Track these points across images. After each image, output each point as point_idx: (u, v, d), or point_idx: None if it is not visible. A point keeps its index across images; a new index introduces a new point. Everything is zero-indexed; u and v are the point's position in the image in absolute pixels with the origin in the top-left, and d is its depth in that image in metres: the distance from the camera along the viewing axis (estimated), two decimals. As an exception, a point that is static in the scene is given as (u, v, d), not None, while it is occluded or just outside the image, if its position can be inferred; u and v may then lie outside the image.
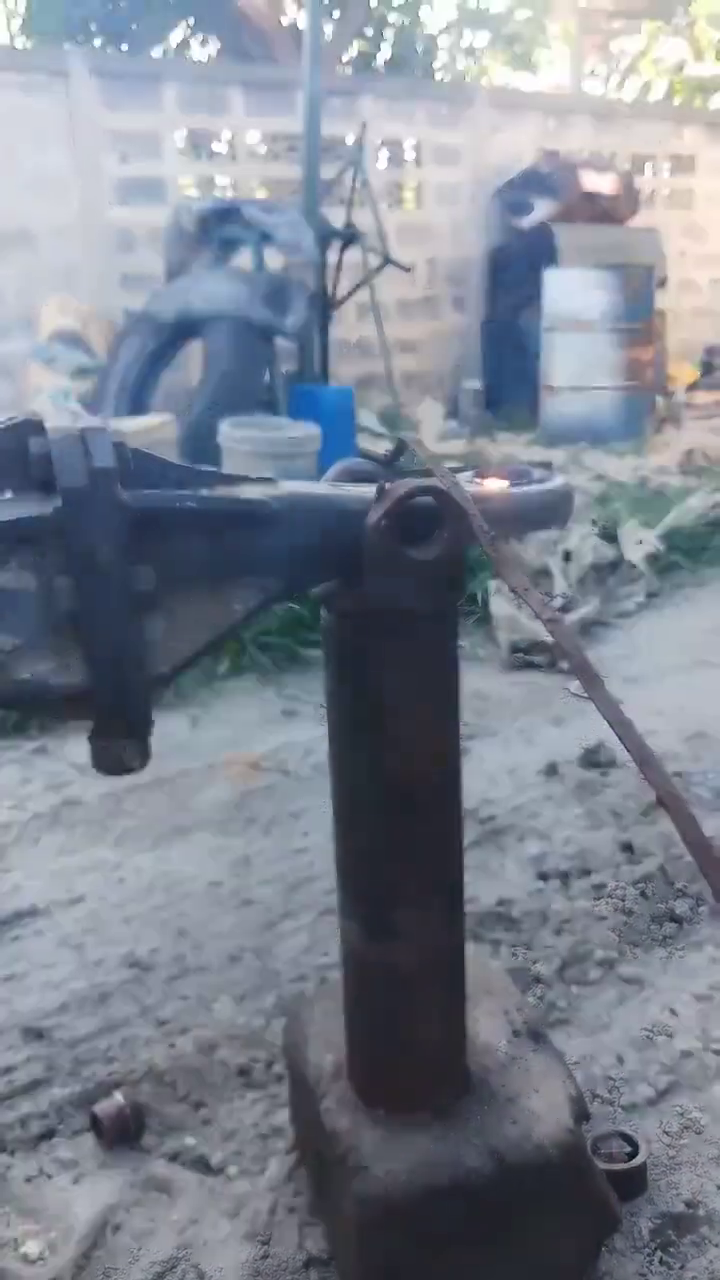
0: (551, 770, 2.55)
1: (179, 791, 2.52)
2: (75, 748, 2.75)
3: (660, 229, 8.44)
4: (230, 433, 4.38)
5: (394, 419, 6.71)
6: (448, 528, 0.99)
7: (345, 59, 11.78)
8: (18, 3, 10.03)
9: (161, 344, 5.76)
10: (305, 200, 5.59)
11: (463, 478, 1.16)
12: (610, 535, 4.14)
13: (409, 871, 1.11)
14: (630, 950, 1.85)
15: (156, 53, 10.52)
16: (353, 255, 6.24)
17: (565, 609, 3.60)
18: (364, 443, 6.08)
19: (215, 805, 2.45)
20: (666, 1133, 1.45)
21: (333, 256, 6.07)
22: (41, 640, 0.87)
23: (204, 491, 0.95)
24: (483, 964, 1.45)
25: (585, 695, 3.35)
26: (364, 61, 12.36)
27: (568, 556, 3.86)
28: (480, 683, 3.18)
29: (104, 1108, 1.46)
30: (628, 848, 2.15)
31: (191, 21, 10.91)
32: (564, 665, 3.25)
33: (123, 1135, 1.46)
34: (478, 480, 1.18)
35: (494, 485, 1.16)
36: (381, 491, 0.99)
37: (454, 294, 8.31)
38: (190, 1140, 1.47)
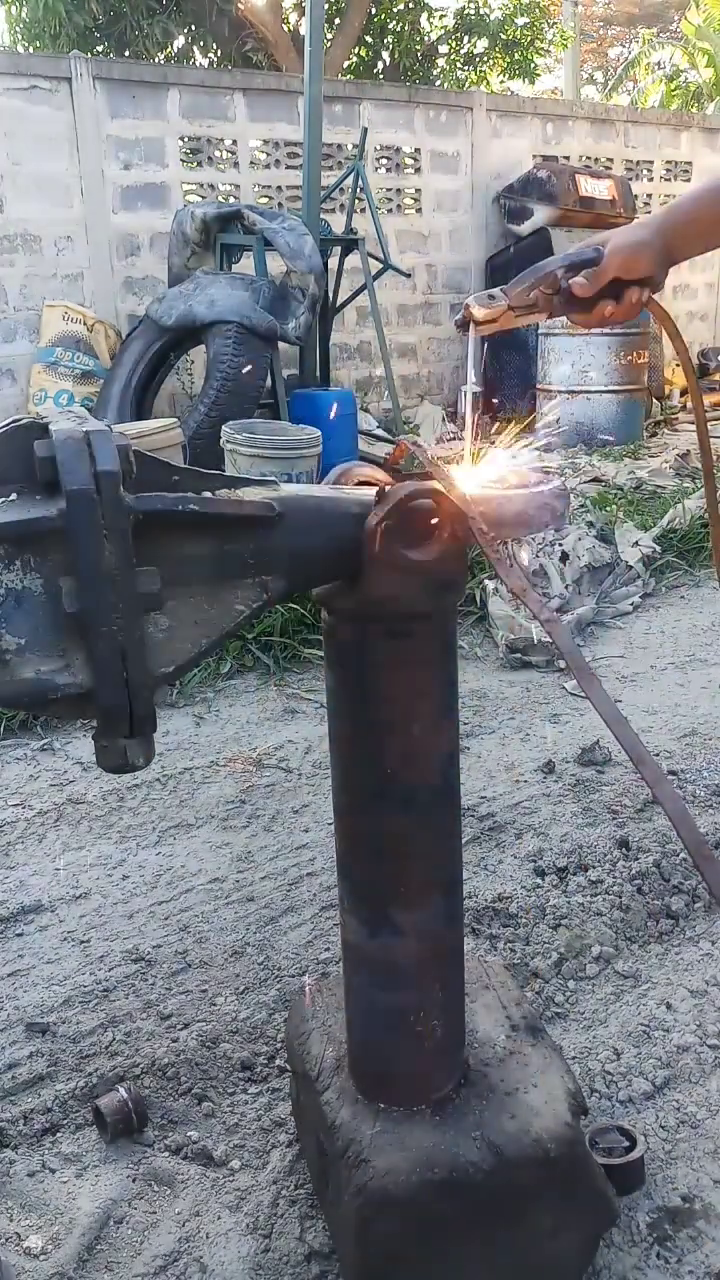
0: (549, 768, 2.57)
1: (182, 788, 2.54)
2: (80, 746, 2.77)
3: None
4: (233, 436, 4.39)
5: (394, 422, 6.73)
6: (446, 529, 1.01)
7: (345, 66, 11.80)
8: (19, 9, 10.03)
9: (164, 349, 5.78)
10: (306, 206, 5.61)
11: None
12: (606, 537, 4.16)
13: (409, 867, 1.13)
14: (627, 946, 1.86)
15: (159, 59, 10.55)
16: (353, 261, 6.26)
17: (562, 609, 3.62)
18: (364, 446, 6.10)
19: (218, 802, 2.46)
20: (663, 1127, 1.46)
21: (333, 262, 6.09)
22: (46, 640, 0.87)
23: (207, 494, 0.96)
24: (481, 959, 1.46)
25: (582, 694, 3.32)
26: (364, 69, 12.38)
27: (564, 557, 3.87)
28: (478, 681, 3.19)
29: (107, 1102, 1.47)
30: (624, 844, 2.16)
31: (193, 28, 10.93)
32: (561, 664, 3.26)
33: (125, 1129, 1.47)
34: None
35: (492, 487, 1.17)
36: (381, 494, 1.01)
37: (452, 299, 8.33)
38: (193, 1133, 1.48)
